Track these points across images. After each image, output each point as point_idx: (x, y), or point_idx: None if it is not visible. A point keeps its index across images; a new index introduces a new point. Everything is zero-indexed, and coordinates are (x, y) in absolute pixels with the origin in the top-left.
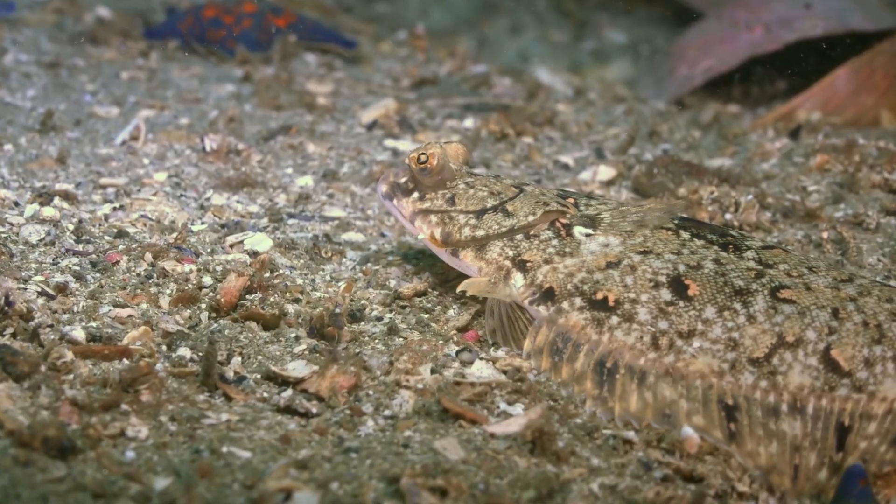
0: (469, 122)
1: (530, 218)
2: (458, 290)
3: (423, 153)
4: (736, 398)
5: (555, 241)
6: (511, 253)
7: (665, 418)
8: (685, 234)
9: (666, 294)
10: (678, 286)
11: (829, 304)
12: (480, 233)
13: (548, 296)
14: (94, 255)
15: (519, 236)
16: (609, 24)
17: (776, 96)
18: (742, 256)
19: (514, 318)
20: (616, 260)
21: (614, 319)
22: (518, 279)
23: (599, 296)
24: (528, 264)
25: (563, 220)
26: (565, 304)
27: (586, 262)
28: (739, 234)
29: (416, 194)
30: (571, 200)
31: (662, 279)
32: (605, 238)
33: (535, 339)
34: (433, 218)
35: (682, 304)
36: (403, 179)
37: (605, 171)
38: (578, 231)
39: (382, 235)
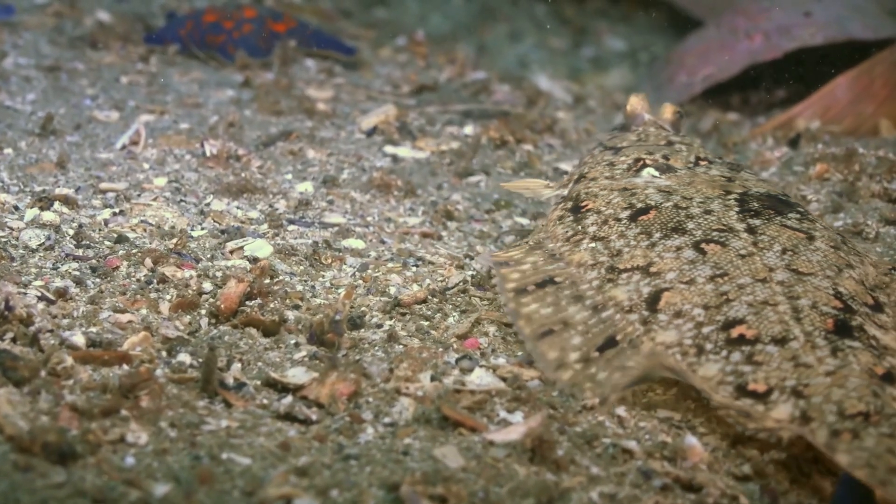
0: (469, 129)
1: (622, 158)
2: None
3: (627, 101)
4: (561, 279)
5: (619, 171)
6: (584, 170)
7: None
8: (732, 196)
9: (625, 214)
10: (641, 211)
11: (729, 272)
12: (590, 160)
13: (564, 198)
14: (94, 260)
15: None
16: (608, 31)
17: (775, 104)
18: (744, 221)
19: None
20: (632, 188)
21: (569, 219)
22: (568, 188)
23: (582, 203)
24: (582, 180)
25: (648, 161)
26: (560, 205)
27: (612, 184)
28: (798, 215)
29: (613, 132)
30: (704, 162)
31: (640, 205)
32: (661, 181)
33: (538, 231)
34: (596, 150)
35: (624, 221)
36: (619, 122)
37: None
38: (647, 171)
39: (382, 242)
